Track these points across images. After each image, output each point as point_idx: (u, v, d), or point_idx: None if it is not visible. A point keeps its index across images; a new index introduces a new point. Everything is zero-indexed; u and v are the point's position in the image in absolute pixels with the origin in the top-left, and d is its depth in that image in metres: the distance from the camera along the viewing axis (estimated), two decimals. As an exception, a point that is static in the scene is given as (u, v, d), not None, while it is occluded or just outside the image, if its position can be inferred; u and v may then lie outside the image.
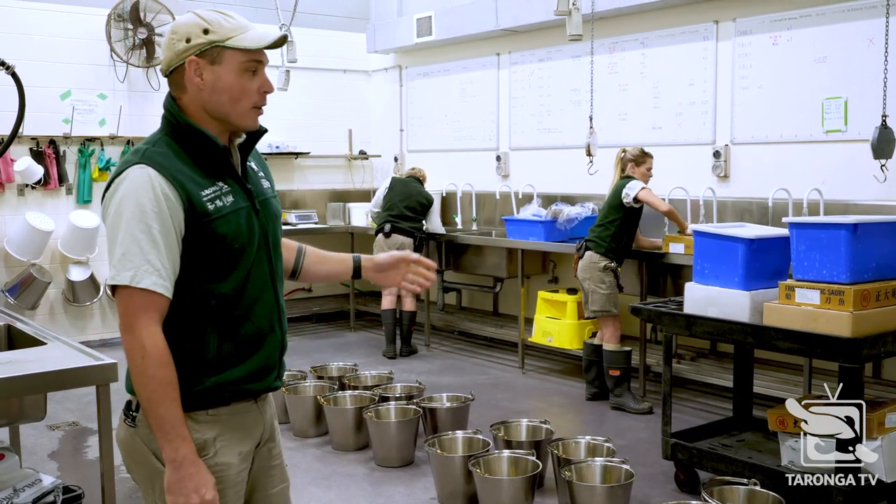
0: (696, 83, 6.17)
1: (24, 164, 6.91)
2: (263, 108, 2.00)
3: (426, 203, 7.24)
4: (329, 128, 8.89)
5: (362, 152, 9.02)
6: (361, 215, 8.28)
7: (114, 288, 1.87)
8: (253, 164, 2.12)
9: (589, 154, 6.32)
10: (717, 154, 5.99)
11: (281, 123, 8.47)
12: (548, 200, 6.96)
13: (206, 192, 1.92)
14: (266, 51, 1.97)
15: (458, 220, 7.84)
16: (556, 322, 6.42)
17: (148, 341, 1.84)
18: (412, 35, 8.07)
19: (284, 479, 2.20)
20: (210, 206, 1.91)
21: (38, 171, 7.01)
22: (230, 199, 1.96)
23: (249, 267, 1.99)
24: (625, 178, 5.64)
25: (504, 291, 7.51)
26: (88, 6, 7.34)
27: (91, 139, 7.39)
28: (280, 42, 1.97)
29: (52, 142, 7.21)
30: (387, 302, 7.24)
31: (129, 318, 1.85)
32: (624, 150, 5.77)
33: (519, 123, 7.58)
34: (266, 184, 2.12)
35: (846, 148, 5.34)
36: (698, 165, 6.12)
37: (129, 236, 1.84)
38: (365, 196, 8.96)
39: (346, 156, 9.00)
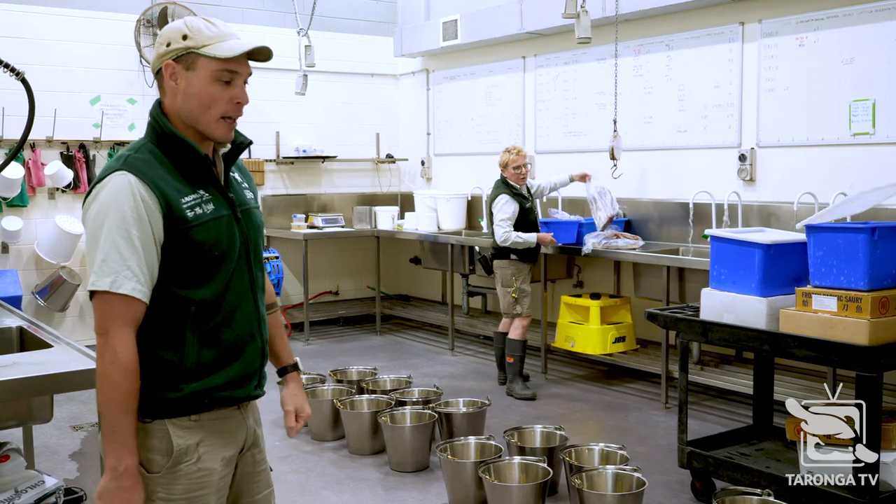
0: (722, 85, 6.08)
1: (54, 168, 7.04)
2: (235, 118, 2.00)
3: (491, 211, 6.19)
4: (356, 131, 8.91)
5: (389, 156, 9.03)
6: (388, 219, 8.28)
7: (91, 292, 1.89)
8: (236, 175, 2.14)
9: (612, 157, 6.26)
10: (742, 157, 5.89)
11: (308, 127, 8.53)
12: (572, 204, 6.90)
13: (187, 199, 1.94)
14: (251, 62, 1.98)
15: (484, 223, 7.81)
16: (578, 327, 6.36)
17: (120, 348, 1.86)
18: (438, 39, 8.06)
19: (268, 485, 2.20)
20: (189, 214, 1.93)
21: (69, 174, 7.13)
22: (211, 207, 1.98)
23: (230, 274, 2.01)
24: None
25: (528, 295, 7.45)
26: (118, 12, 7.45)
27: (120, 143, 7.48)
28: (263, 55, 1.97)
29: (83, 146, 7.32)
30: (501, 324, 6.41)
31: (105, 322, 1.87)
32: None
33: (544, 126, 7.53)
34: (249, 194, 2.14)
35: (874, 151, 5.22)
36: (724, 169, 6.03)
37: (109, 242, 1.86)
38: (392, 199, 8.97)
39: (374, 159, 9.02)
